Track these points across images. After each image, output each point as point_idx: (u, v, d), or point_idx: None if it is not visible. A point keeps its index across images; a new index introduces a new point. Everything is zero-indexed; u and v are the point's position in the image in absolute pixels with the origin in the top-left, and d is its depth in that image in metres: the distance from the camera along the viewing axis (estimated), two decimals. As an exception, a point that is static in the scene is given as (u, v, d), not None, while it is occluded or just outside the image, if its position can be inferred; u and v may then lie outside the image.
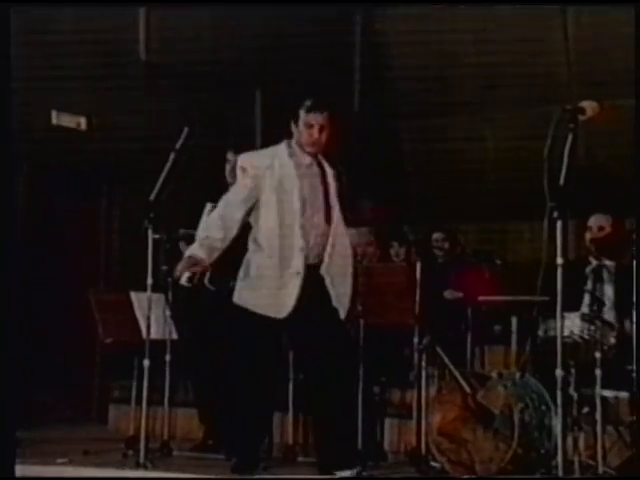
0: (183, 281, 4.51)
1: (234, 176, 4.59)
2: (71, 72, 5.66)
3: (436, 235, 5.56)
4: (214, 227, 3.80)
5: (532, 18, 6.15)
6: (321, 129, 3.73)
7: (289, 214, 3.71)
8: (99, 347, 5.36)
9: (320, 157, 3.83)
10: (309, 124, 3.73)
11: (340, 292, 3.73)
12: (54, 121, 5.75)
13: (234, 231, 3.76)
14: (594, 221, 4.28)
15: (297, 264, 3.68)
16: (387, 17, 6.61)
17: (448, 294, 5.19)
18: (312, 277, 3.71)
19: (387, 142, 6.90)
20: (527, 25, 6.19)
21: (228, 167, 4.62)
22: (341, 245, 3.76)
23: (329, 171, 3.81)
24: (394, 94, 6.74)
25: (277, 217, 3.72)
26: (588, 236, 4.25)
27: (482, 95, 6.42)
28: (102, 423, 5.61)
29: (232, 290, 4.21)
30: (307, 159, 3.81)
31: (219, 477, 3.85)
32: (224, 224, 3.77)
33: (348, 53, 6.80)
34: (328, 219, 3.73)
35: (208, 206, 4.59)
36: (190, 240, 4.52)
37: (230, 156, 4.63)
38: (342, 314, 3.73)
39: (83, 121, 5.84)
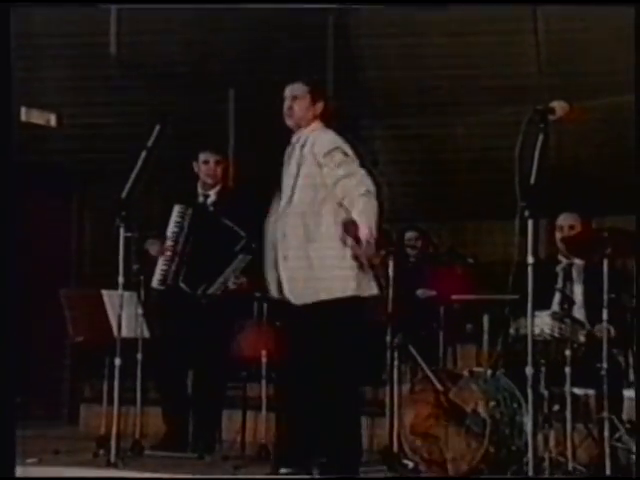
0: (155, 284, 4.50)
1: (213, 176, 4.58)
2: (41, 68, 5.60)
3: (409, 234, 5.58)
4: None
5: (503, 19, 6.19)
6: (294, 99, 3.64)
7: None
8: (70, 346, 5.31)
9: (303, 132, 3.64)
10: (285, 96, 3.67)
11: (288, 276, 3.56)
12: (23, 118, 5.68)
13: None
14: (563, 220, 4.32)
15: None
16: (360, 18, 6.62)
17: (421, 293, 5.21)
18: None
19: (359, 141, 6.91)
20: (498, 26, 6.23)
21: (204, 168, 4.57)
22: (293, 227, 3.56)
23: (307, 145, 3.61)
24: (367, 94, 6.75)
25: None
26: (558, 235, 4.29)
27: (454, 95, 6.45)
28: (73, 422, 5.57)
29: (205, 291, 4.20)
30: (294, 137, 3.70)
31: (190, 476, 3.84)
32: None
33: (321, 52, 6.80)
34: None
35: (176, 208, 4.57)
36: (158, 237, 4.51)
37: (206, 156, 4.59)
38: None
39: (53, 118, 5.78)
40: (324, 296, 3.52)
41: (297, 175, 3.60)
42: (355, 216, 3.49)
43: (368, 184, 3.56)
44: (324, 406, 3.58)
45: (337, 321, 3.53)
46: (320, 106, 3.67)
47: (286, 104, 3.67)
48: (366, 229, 3.47)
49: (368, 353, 3.77)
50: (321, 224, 3.54)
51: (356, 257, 3.54)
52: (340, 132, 3.71)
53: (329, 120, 3.72)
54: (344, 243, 3.50)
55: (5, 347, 3.19)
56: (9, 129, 3.34)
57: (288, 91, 3.68)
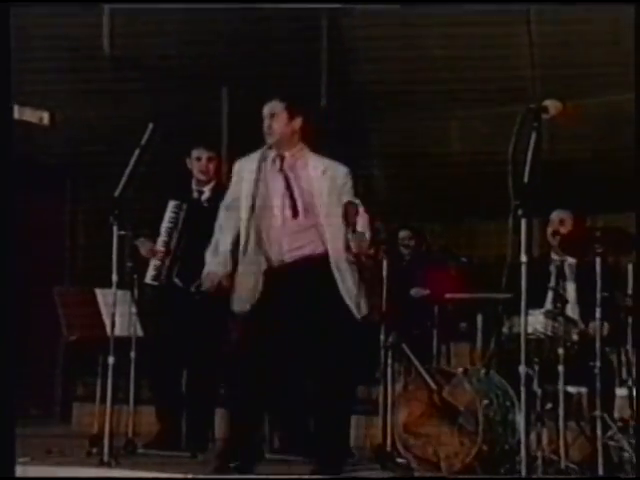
0: (148, 279, 4.49)
1: (206, 172, 4.59)
2: (34, 65, 5.58)
3: (402, 233, 5.59)
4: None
5: (497, 18, 6.20)
6: (272, 117, 3.72)
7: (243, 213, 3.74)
8: (63, 344, 5.30)
9: (288, 151, 3.76)
10: (264, 115, 3.75)
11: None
12: (16, 116, 5.66)
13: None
14: (555, 215, 4.34)
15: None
16: (354, 15, 6.62)
17: (414, 292, 5.22)
18: (275, 275, 3.70)
19: (354, 139, 6.92)
20: (492, 25, 6.24)
21: (197, 164, 4.59)
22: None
23: (300, 164, 3.75)
24: (361, 91, 6.76)
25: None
26: (550, 229, 4.30)
27: (448, 94, 6.46)
28: (66, 421, 5.56)
29: (198, 287, 4.19)
30: (271, 153, 3.78)
31: (184, 475, 3.83)
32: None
33: (315, 49, 6.80)
34: (295, 213, 3.70)
35: (171, 203, 4.57)
36: (151, 236, 4.51)
37: (199, 153, 4.60)
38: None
39: (46, 116, 5.77)
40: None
41: (313, 196, 3.71)
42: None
43: None
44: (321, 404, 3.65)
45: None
46: (298, 122, 3.74)
47: (265, 123, 3.76)
48: (364, 218, 3.56)
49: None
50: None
51: (347, 247, 3.60)
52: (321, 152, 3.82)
53: (310, 137, 3.77)
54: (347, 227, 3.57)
55: (5, 347, 3.18)
56: (8, 128, 3.33)
57: (266, 110, 3.77)
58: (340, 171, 3.75)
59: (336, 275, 3.64)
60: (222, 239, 3.80)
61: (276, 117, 3.71)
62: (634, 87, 3.60)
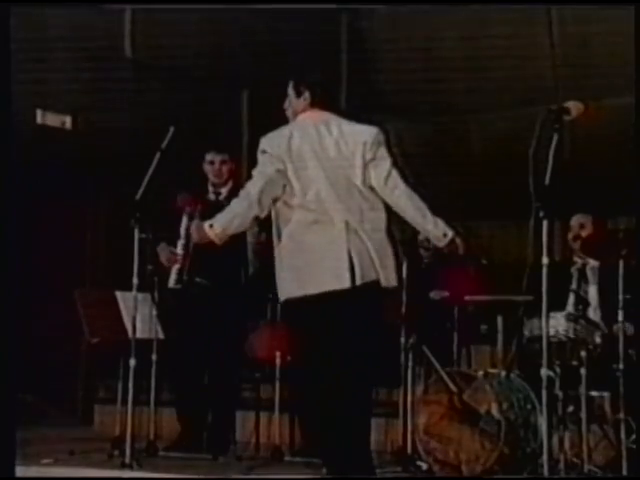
0: (172, 284, 4.51)
1: (219, 176, 4.61)
2: (56, 70, 5.63)
3: (422, 235, 5.56)
4: None
5: (517, 19, 6.17)
6: (287, 97, 3.74)
7: None
8: (85, 347, 5.34)
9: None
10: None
11: None
12: (39, 120, 5.72)
13: None
14: (575, 219, 4.33)
15: None
16: (373, 16, 6.62)
17: (434, 294, 5.20)
18: None
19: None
20: (513, 26, 6.21)
21: (210, 168, 4.61)
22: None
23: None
24: (380, 93, 6.75)
25: None
26: (570, 234, 4.29)
27: (468, 95, 6.44)
28: (88, 423, 5.59)
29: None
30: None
31: (206, 477, 3.85)
32: None
33: (334, 52, 6.81)
34: None
35: (188, 208, 4.58)
36: (172, 239, 4.53)
37: (212, 157, 4.62)
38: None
39: (68, 120, 5.81)
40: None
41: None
42: None
43: None
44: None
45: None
46: (307, 95, 3.70)
47: (285, 104, 3.79)
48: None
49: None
50: None
51: None
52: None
53: (328, 106, 3.73)
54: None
55: (6, 347, 3.20)
56: (8, 129, 3.35)
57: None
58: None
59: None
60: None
61: (288, 97, 3.74)
62: (634, 88, 3.57)
